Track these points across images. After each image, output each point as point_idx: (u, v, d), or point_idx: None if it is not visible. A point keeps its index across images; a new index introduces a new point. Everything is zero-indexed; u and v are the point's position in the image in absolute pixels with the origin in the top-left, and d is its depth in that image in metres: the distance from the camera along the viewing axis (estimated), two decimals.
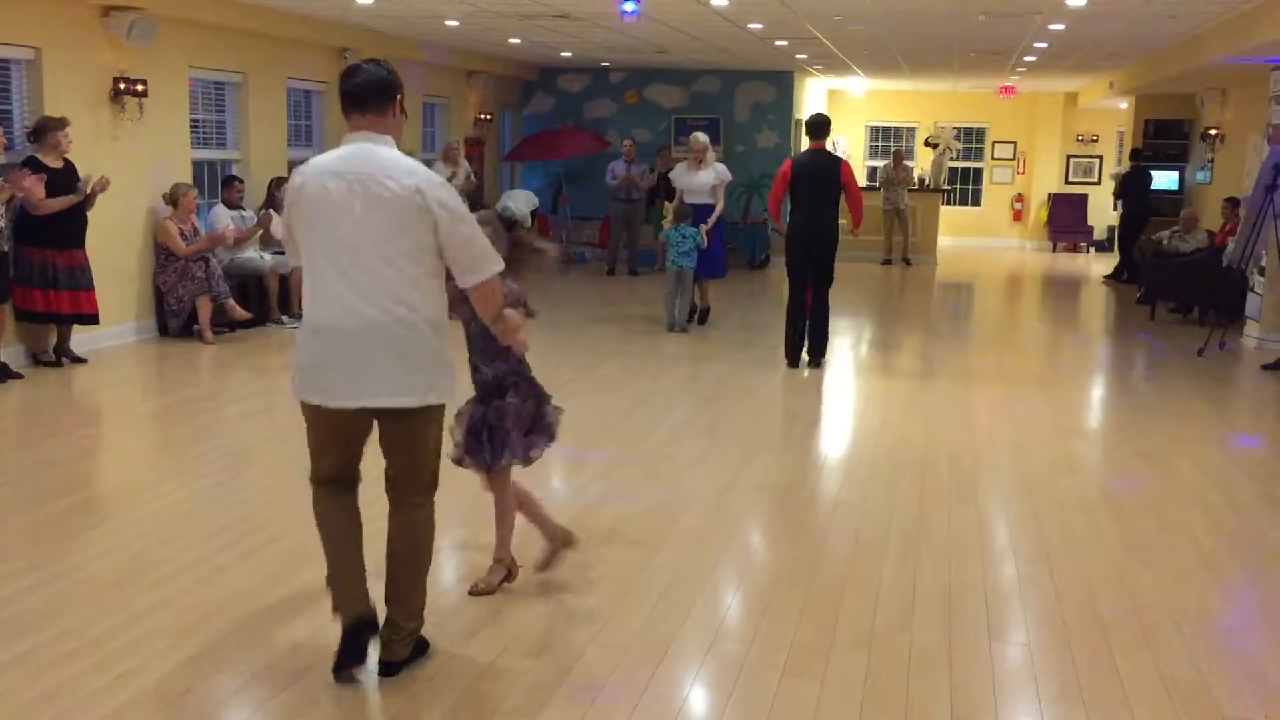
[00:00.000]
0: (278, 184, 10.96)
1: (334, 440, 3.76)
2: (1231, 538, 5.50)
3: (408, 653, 3.83)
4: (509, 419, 4.34)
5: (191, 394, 8.34)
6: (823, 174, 9.09)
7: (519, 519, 4.58)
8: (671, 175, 11.50)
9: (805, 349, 9.37)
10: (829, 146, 9.54)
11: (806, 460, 6.88)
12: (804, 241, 9.16)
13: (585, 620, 4.28)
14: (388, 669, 3.78)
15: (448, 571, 4.79)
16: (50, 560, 4.74)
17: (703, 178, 11.03)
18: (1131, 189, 16.39)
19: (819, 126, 9.28)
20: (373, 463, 3.85)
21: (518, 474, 4.54)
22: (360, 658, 3.77)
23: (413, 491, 3.81)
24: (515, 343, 4.06)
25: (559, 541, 4.64)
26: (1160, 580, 4.86)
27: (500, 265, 3.72)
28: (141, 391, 8.52)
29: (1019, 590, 4.72)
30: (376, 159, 3.62)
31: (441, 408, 3.79)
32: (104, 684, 3.67)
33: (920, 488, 6.14)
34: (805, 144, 9.52)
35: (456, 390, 3.82)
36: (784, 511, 5.82)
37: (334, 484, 3.82)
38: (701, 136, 11.32)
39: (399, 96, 3.77)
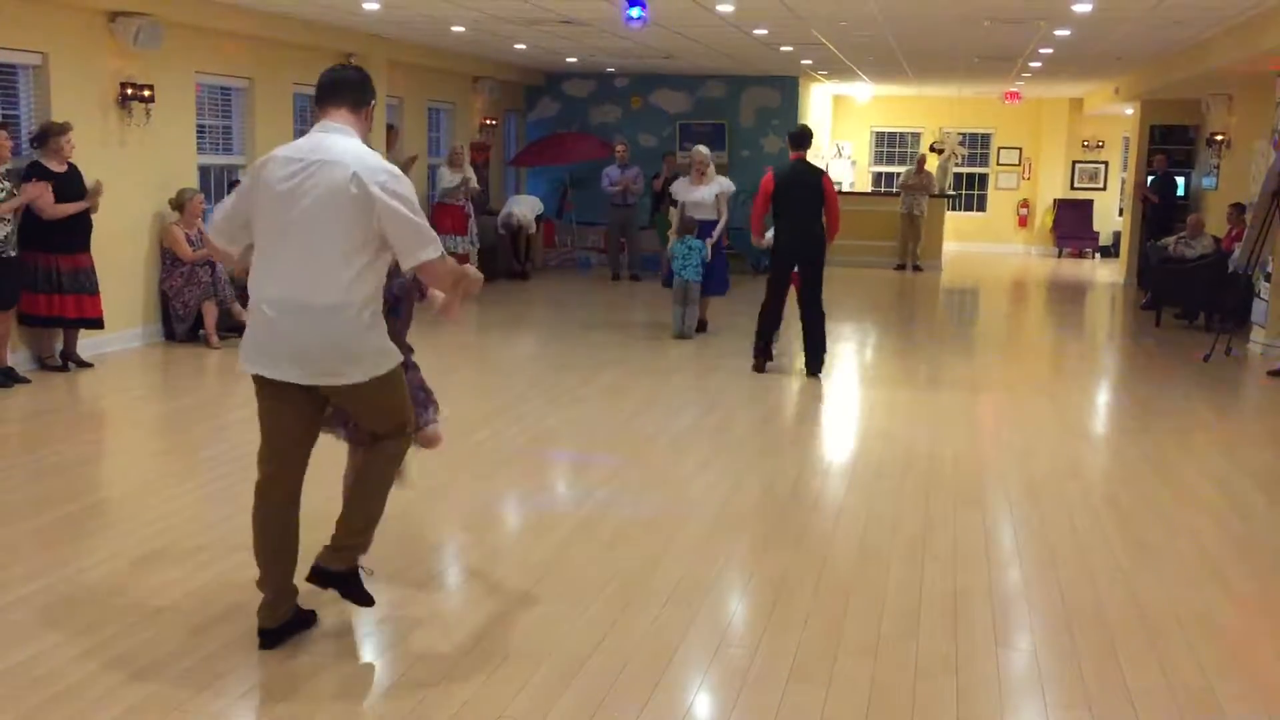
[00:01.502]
0: None
1: (281, 420, 3.89)
2: (1238, 543, 5.49)
3: (339, 568, 3.99)
4: (420, 384, 4.49)
5: (197, 399, 8.35)
6: (805, 184, 9.11)
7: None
8: (673, 189, 11.40)
9: (804, 359, 9.37)
10: (837, 154, 9.55)
11: (811, 466, 6.88)
12: (791, 253, 9.16)
13: (589, 626, 4.27)
14: (312, 576, 3.99)
15: (451, 575, 4.79)
16: (56, 564, 4.75)
17: (704, 193, 10.97)
18: (1161, 193, 16.31)
19: (802, 138, 9.33)
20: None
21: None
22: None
23: (385, 435, 4.01)
24: (455, 305, 4.15)
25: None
26: (1166, 586, 4.85)
27: (439, 249, 3.79)
28: (147, 396, 8.53)
29: (1025, 596, 4.71)
30: (329, 146, 3.76)
31: (380, 381, 3.86)
32: (109, 689, 3.67)
33: (925, 493, 6.14)
34: (808, 153, 9.52)
35: (397, 356, 3.92)
36: (789, 517, 5.81)
37: (276, 484, 3.94)
38: (703, 149, 11.20)
39: (371, 103, 3.94)
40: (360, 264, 3.72)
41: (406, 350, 4.40)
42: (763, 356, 9.41)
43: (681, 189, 11.15)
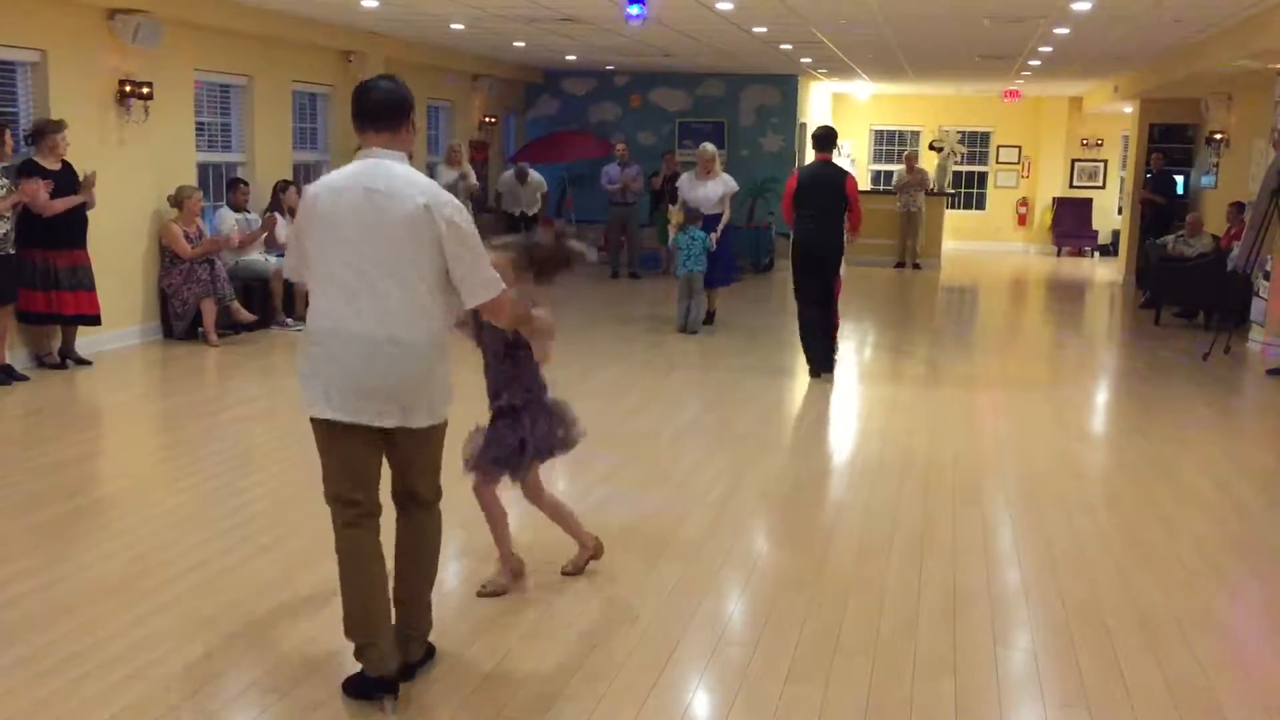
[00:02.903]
0: (282, 187, 10.98)
1: (346, 456, 3.66)
2: (1236, 542, 5.49)
3: (422, 654, 3.85)
4: (495, 435, 4.42)
5: (196, 396, 8.35)
6: (828, 186, 9.09)
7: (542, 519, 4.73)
8: (679, 185, 11.46)
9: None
10: (836, 152, 9.55)
11: (811, 464, 6.87)
12: (808, 251, 9.16)
13: (589, 624, 4.27)
14: (410, 673, 3.77)
15: (450, 575, 4.78)
16: (54, 562, 4.74)
17: (711, 189, 11.01)
18: (1164, 190, 16.29)
19: (825, 139, 9.29)
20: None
21: (549, 485, 4.61)
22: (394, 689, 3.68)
23: (419, 504, 3.83)
24: (541, 349, 4.11)
25: (590, 550, 4.80)
26: (1165, 585, 4.85)
27: (500, 286, 3.67)
28: (146, 394, 8.52)
29: (1024, 595, 4.71)
30: (387, 174, 3.59)
31: (441, 429, 3.78)
32: (108, 686, 3.67)
33: (925, 492, 6.13)
34: (811, 153, 9.51)
35: (451, 406, 3.77)
36: (788, 515, 5.81)
37: (355, 508, 3.69)
38: (710, 146, 11.35)
39: (411, 114, 3.77)
40: (439, 297, 3.61)
41: (540, 389, 4.46)
42: (818, 363, 9.20)
43: (688, 185, 11.18)
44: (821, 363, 9.24)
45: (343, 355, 3.56)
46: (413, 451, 3.73)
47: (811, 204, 9.08)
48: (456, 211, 3.61)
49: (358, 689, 3.64)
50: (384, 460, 3.75)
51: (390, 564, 3.80)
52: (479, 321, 4.26)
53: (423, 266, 3.56)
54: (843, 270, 9.74)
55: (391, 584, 3.78)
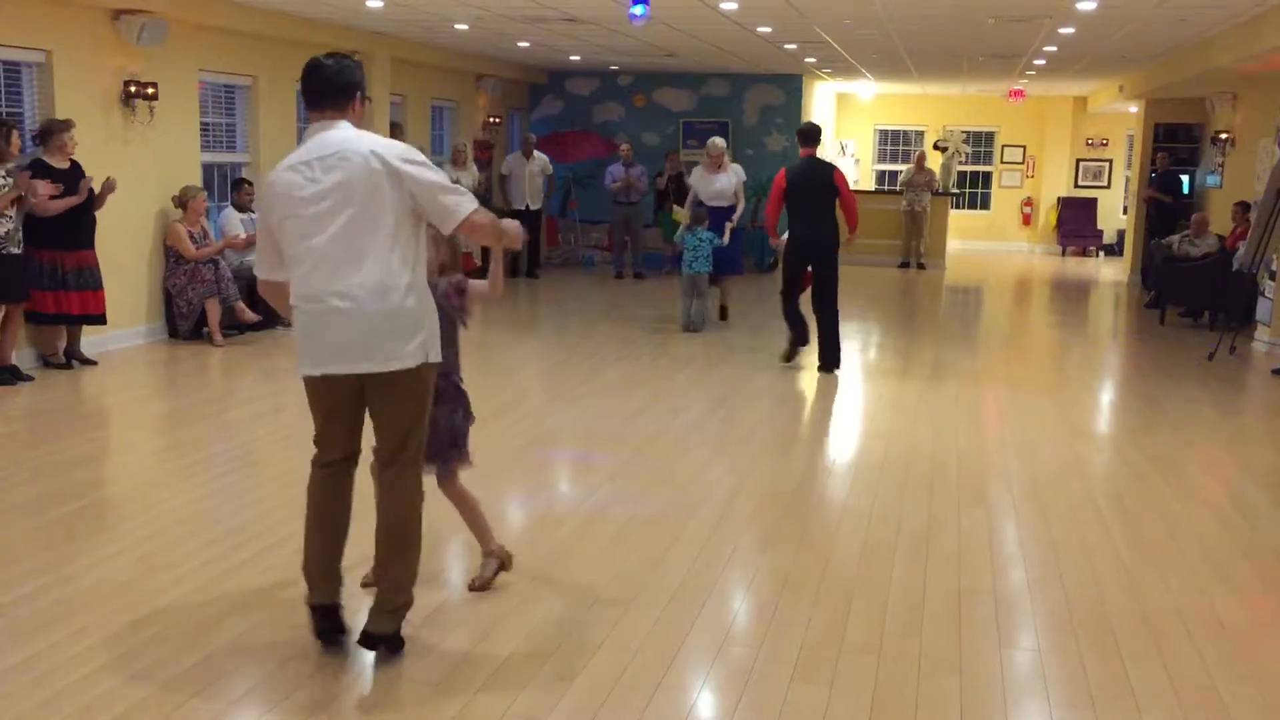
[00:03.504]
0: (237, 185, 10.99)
1: (334, 412, 3.88)
2: (1242, 542, 5.48)
3: (393, 628, 3.87)
4: (439, 428, 4.31)
5: (201, 396, 8.36)
6: (817, 181, 9.13)
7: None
8: (690, 181, 11.56)
9: (818, 356, 9.38)
10: (841, 151, 9.58)
11: (815, 463, 6.87)
12: (805, 249, 9.17)
13: (593, 623, 4.27)
14: (367, 639, 3.85)
15: (454, 573, 4.79)
16: (60, 562, 4.75)
17: (723, 182, 11.17)
18: (1170, 189, 16.27)
19: (811, 134, 9.35)
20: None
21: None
22: (334, 631, 3.93)
23: (400, 463, 3.89)
24: (510, 247, 4.09)
25: (500, 559, 4.62)
26: (1170, 585, 4.84)
27: (474, 203, 3.80)
28: (151, 394, 8.53)
29: (1029, 595, 4.71)
30: (331, 140, 3.75)
31: (432, 369, 3.87)
32: (113, 686, 3.67)
33: (929, 491, 6.13)
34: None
35: (439, 345, 3.89)
36: (793, 515, 5.80)
37: (335, 465, 3.94)
38: (719, 141, 11.47)
39: (359, 93, 3.88)
40: (401, 243, 3.72)
41: (458, 375, 4.38)
42: (797, 342, 9.42)
43: (700, 179, 11.28)
44: (826, 361, 9.28)
45: (317, 312, 3.73)
46: (382, 400, 3.83)
47: (803, 202, 9.11)
48: (409, 152, 3.77)
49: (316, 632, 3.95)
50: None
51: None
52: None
53: (382, 214, 3.69)
54: None
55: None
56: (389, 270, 3.69)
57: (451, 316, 4.26)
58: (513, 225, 4.02)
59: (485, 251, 14.44)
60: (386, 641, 3.88)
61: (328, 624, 3.94)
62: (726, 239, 10.99)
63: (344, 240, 3.68)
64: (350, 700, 3.66)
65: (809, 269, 9.28)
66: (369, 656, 3.94)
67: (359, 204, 3.67)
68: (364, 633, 3.87)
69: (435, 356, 3.86)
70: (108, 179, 8.63)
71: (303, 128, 11.86)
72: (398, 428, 3.85)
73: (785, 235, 9.38)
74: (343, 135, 3.77)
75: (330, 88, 3.81)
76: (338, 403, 3.86)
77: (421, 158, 3.79)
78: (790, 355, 9.49)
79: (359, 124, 3.90)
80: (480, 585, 4.51)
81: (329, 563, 3.95)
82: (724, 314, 11.56)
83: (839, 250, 9.29)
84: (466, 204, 3.77)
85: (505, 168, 15.35)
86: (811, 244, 9.14)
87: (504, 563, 4.61)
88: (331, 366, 3.75)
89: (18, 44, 8.51)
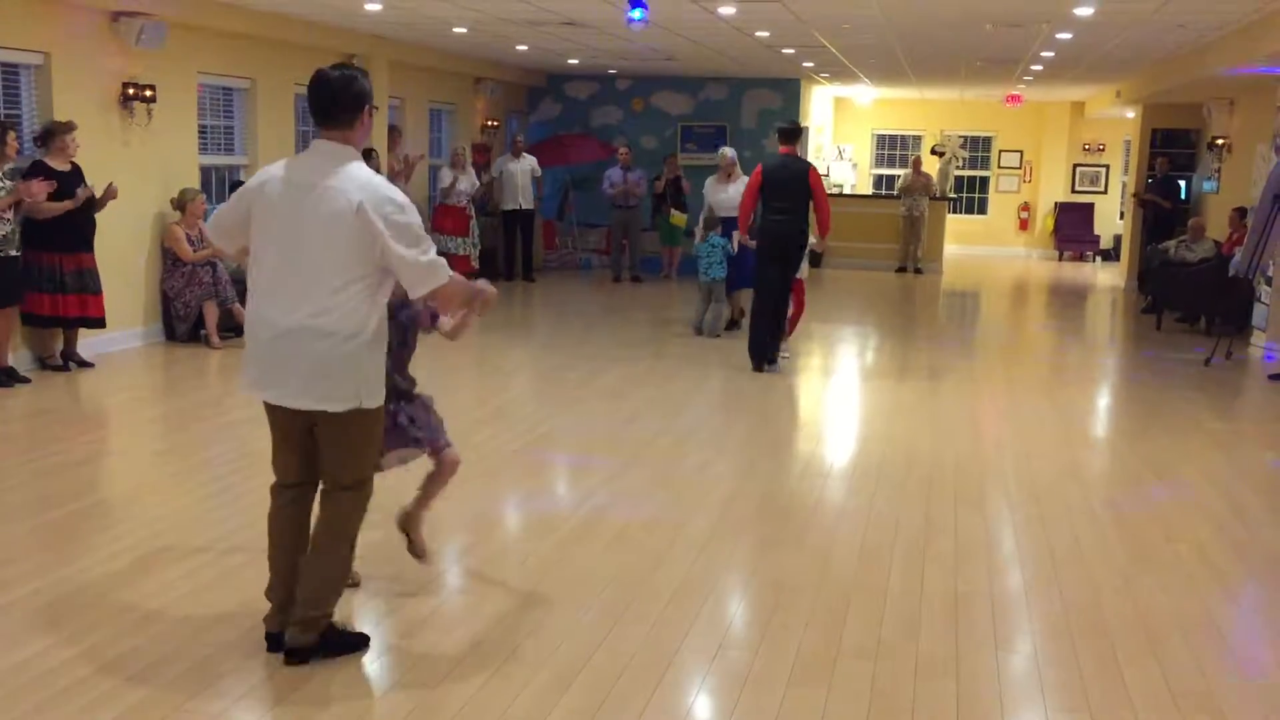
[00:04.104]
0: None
1: (285, 435, 3.91)
2: (1238, 547, 5.49)
3: (309, 640, 3.87)
4: (429, 408, 4.44)
5: (198, 399, 8.35)
6: (793, 178, 9.21)
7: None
8: (705, 190, 11.66)
9: (749, 353, 9.46)
10: (838, 156, 9.65)
11: (812, 467, 6.87)
12: (772, 241, 9.25)
13: (590, 627, 4.27)
14: (289, 655, 3.86)
15: (451, 577, 4.79)
16: (56, 564, 4.75)
17: (733, 192, 11.20)
18: (1167, 195, 16.27)
19: (791, 133, 9.49)
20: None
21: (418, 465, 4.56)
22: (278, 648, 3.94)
23: (336, 487, 3.90)
24: (481, 308, 4.11)
25: (414, 544, 4.64)
26: (1167, 589, 4.85)
27: (445, 276, 3.76)
28: (148, 396, 8.53)
29: (1025, 599, 4.71)
30: (324, 170, 3.71)
31: (365, 416, 3.82)
32: (112, 687, 3.67)
33: (926, 495, 6.13)
34: (811, 154, 9.58)
35: (382, 393, 3.87)
36: (790, 519, 5.81)
37: (288, 488, 3.97)
38: (729, 152, 11.59)
39: (366, 105, 3.82)
40: (357, 291, 3.68)
41: (409, 383, 4.40)
42: (760, 356, 9.43)
43: (712, 190, 11.41)
44: (763, 356, 9.32)
45: (262, 338, 3.76)
46: (331, 436, 3.84)
47: (777, 197, 9.24)
48: (397, 210, 3.69)
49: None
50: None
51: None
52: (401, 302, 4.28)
53: (347, 260, 3.67)
54: (804, 271, 9.85)
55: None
56: (338, 317, 3.67)
57: (416, 328, 4.34)
58: (487, 292, 4.03)
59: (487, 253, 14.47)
60: (307, 654, 3.86)
61: (277, 648, 3.94)
62: (735, 248, 11.00)
63: (304, 278, 3.66)
64: (348, 702, 3.66)
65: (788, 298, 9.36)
66: (367, 659, 3.94)
67: (331, 249, 3.65)
68: (286, 647, 3.87)
69: (371, 403, 3.81)
70: (109, 185, 8.62)
71: (302, 130, 11.95)
72: (333, 459, 3.87)
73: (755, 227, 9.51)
74: (341, 170, 3.69)
75: (338, 101, 3.74)
76: (287, 430, 3.89)
77: (408, 217, 3.70)
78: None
79: (366, 135, 3.86)
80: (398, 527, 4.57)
81: (286, 592, 3.95)
82: (735, 324, 11.55)
83: (805, 249, 9.39)
84: (437, 276, 3.72)
85: (495, 168, 15.38)
86: (779, 237, 9.22)
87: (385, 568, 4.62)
88: (271, 395, 3.80)
89: (16, 46, 8.50)
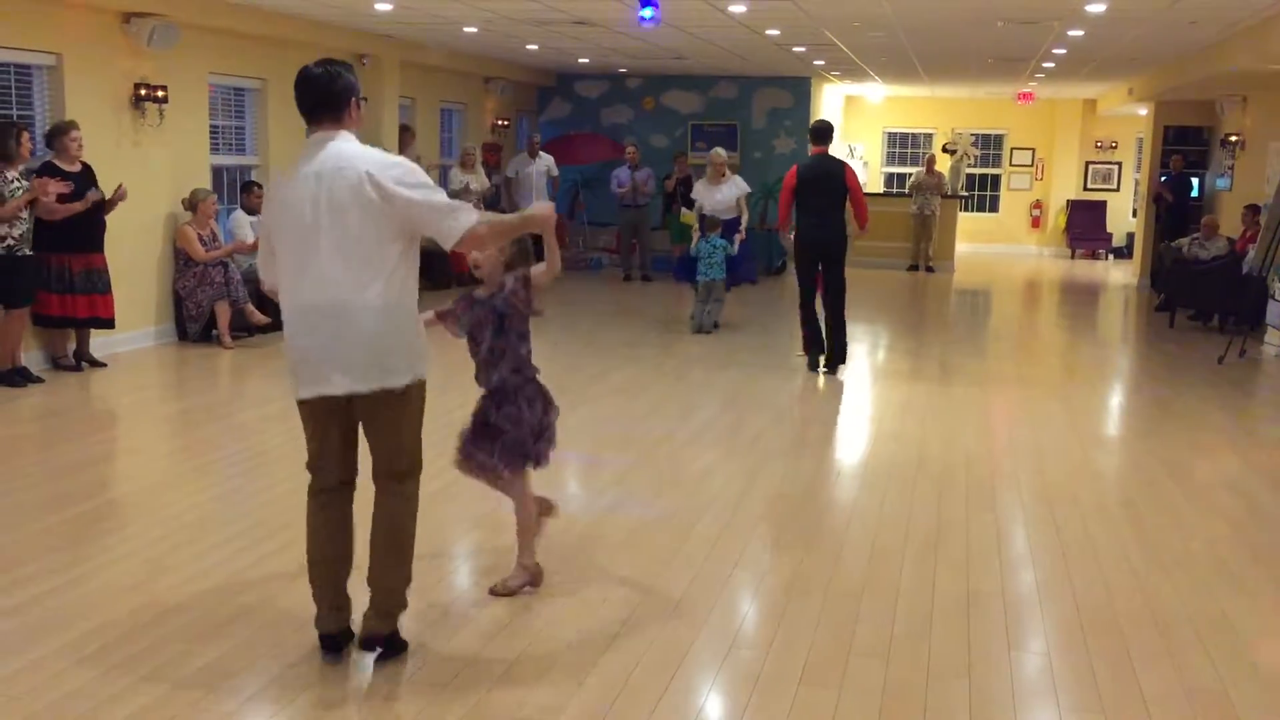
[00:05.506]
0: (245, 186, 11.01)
1: (328, 434, 3.87)
2: (1252, 546, 5.46)
3: (388, 629, 3.89)
4: (513, 423, 4.39)
5: (210, 398, 8.37)
6: (828, 178, 9.15)
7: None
8: (694, 193, 11.63)
9: (824, 355, 9.39)
10: (849, 154, 9.63)
11: (823, 466, 6.86)
12: (813, 246, 9.20)
13: (601, 626, 4.27)
14: (367, 643, 3.87)
15: (463, 575, 4.79)
16: (70, 564, 4.76)
17: (725, 193, 11.25)
18: (1176, 194, 16.20)
19: (823, 132, 9.39)
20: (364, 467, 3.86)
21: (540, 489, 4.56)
22: (338, 653, 3.92)
23: (394, 477, 3.90)
24: (550, 228, 4.12)
25: (529, 575, 4.57)
26: (1180, 589, 4.82)
27: (474, 215, 3.75)
28: (160, 396, 8.56)
29: (1038, 598, 4.70)
30: (334, 154, 3.73)
31: (420, 389, 3.86)
32: (125, 687, 3.68)
33: (938, 494, 6.12)
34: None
35: (428, 367, 3.89)
36: (801, 517, 5.80)
37: (330, 491, 3.93)
38: (721, 151, 11.55)
39: (352, 100, 3.84)
40: (390, 259, 3.70)
41: (533, 369, 4.41)
42: (816, 356, 9.40)
43: (702, 191, 11.34)
44: (831, 361, 9.30)
45: (305, 333, 3.74)
46: (387, 419, 3.83)
47: (814, 198, 9.15)
48: (404, 172, 3.72)
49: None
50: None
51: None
52: (469, 302, 4.27)
53: (369, 232, 3.67)
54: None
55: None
56: (378, 291, 3.68)
57: (523, 311, 4.28)
58: (537, 214, 4.05)
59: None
60: (384, 642, 3.90)
61: (335, 648, 3.91)
62: (735, 249, 11.08)
63: (334, 258, 3.66)
64: (360, 701, 3.66)
65: (820, 270, 9.28)
66: (377, 659, 3.94)
67: (353, 224, 3.65)
68: (362, 636, 3.89)
69: (424, 374, 3.85)
70: (119, 187, 8.64)
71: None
72: (389, 445, 3.87)
73: (793, 233, 9.42)
74: (341, 150, 3.73)
75: (325, 98, 3.76)
76: (329, 422, 3.86)
77: (420, 178, 3.74)
78: (814, 363, 9.43)
79: (358, 128, 3.88)
80: (502, 592, 4.48)
81: (334, 592, 3.93)
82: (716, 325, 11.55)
83: (847, 250, 9.32)
84: (464, 220, 3.71)
85: (511, 169, 15.37)
86: (820, 243, 9.16)
87: (534, 579, 4.55)
88: (321, 388, 3.76)
89: (29, 47, 8.54)
